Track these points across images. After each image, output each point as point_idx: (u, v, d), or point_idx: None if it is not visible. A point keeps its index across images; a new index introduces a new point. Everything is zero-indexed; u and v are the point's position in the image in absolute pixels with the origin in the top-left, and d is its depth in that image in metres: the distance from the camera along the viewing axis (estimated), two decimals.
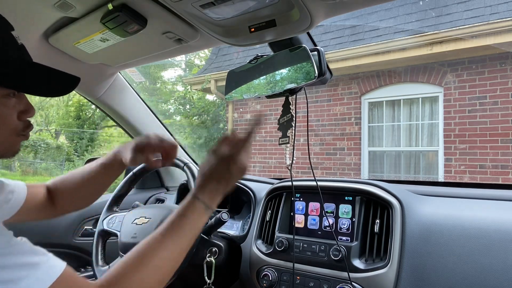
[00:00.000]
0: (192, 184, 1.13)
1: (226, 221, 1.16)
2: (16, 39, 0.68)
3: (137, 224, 1.17)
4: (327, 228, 1.12)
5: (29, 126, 0.74)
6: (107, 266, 1.17)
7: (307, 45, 0.96)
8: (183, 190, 1.53)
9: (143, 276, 0.67)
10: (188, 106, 11.76)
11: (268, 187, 1.30)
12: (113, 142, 14.20)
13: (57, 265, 0.60)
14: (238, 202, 1.44)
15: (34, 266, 0.57)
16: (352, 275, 1.00)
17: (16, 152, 0.73)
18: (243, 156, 0.79)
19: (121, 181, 1.36)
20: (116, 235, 1.20)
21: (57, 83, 0.72)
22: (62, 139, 14.54)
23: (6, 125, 0.68)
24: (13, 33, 0.68)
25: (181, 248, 0.73)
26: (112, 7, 0.93)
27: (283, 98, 1.01)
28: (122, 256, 1.16)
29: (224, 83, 1.12)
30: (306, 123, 1.15)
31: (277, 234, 1.18)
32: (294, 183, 1.16)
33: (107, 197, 1.33)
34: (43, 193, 0.99)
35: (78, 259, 1.56)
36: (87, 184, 0.99)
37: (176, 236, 0.72)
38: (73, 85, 0.74)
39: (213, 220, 1.17)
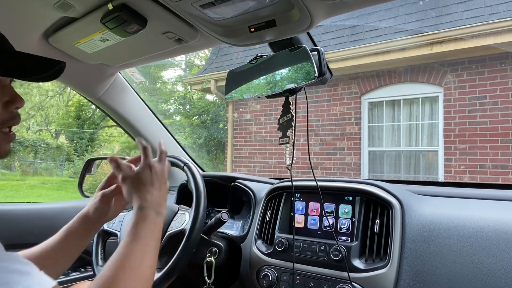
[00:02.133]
0: (192, 184, 1.13)
1: (226, 221, 1.16)
2: None
3: None
4: (327, 228, 1.12)
5: (15, 117, 0.71)
6: None
7: (307, 45, 0.96)
8: (183, 190, 1.53)
9: (126, 283, 0.67)
10: (188, 106, 11.77)
11: (268, 187, 1.30)
12: (113, 142, 14.21)
13: (48, 280, 0.58)
14: (238, 202, 1.44)
15: (26, 274, 0.56)
16: (352, 275, 1.00)
17: (3, 153, 0.70)
18: (156, 162, 0.85)
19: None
20: (116, 235, 1.21)
21: (39, 68, 0.71)
22: (62, 139, 14.55)
23: None
24: None
25: (150, 254, 0.75)
26: (112, 7, 0.93)
27: (283, 98, 1.01)
28: None
29: (224, 83, 1.12)
30: (306, 123, 1.15)
31: (277, 234, 1.18)
32: (294, 183, 1.16)
33: None
34: None
35: (78, 259, 1.54)
36: (46, 258, 0.86)
37: (140, 245, 0.74)
38: (58, 69, 0.73)
39: (213, 220, 1.17)
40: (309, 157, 1.08)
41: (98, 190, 0.93)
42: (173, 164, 1.25)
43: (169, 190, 1.82)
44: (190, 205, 1.15)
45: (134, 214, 0.78)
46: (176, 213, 1.17)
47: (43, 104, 15.17)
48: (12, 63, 0.67)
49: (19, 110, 0.73)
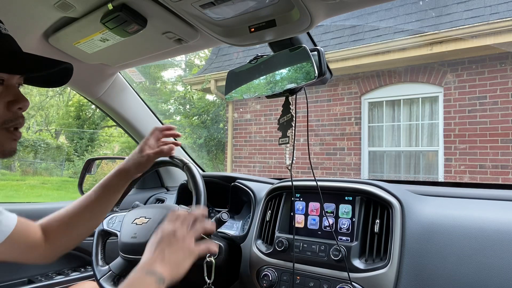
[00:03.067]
0: (192, 184, 1.13)
1: (226, 221, 1.16)
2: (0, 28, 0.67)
3: (137, 224, 1.17)
4: (327, 228, 1.12)
5: (18, 118, 0.71)
6: (107, 266, 1.17)
7: (307, 45, 0.96)
8: (183, 190, 1.53)
9: None
10: (188, 106, 11.77)
11: (268, 187, 1.30)
12: (113, 142, 14.20)
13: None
14: (238, 202, 1.44)
15: None
16: (352, 275, 1.00)
17: (6, 151, 0.70)
18: (189, 234, 0.78)
19: None
20: (116, 235, 1.20)
21: (48, 72, 0.71)
22: (62, 139, 14.54)
23: None
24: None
25: None
26: (112, 7, 0.93)
27: (283, 98, 1.01)
28: (122, 256, 1.16)
29: (224, 83, 1.12)
30: (306, 123, 1.15)
31: (277, 234, 1.18)
32: (294, 183, 1.16)
33: None
34: (35, 230, 0.90)
35: (78, 259, 1.56)
36: (84, 211, 0.97)
37: None
38: (66, 75, 0.74)
39: (213, 220, 1.17)
40: (309, 157, 1.08)
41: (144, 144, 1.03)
42: (173, 164, 1.25)
43: (168, 190, 1.83)
44: (190, 205, 1.15)
45: (134, 273, 0.70)
46: None
47: (43, 104, 15.17)
48: (16, 62, 0.67)
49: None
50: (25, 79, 0.75)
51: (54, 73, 0.76)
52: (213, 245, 0.82)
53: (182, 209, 1.18)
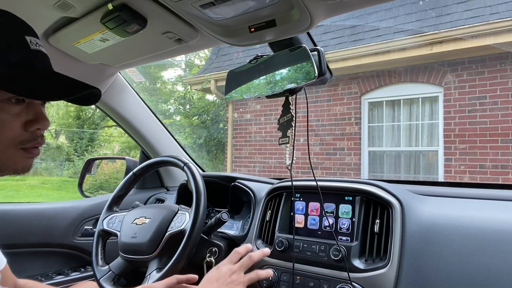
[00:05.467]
0: (192, 184, 1.13)
1: (226, 221, 1.16)
2: (28, 43, 0.65)
3: (137, 224, 1.17)
4: (327, 228, 1.12)
5: (36, 138, 0.67)
6: (107, 266, 1.17)
7: (307, 45, 0.96)
8: (183, 190, 1.53)
9: None
10: (188, 106, 11.76)
11: (268, 187, 1.30)
12: (113, 142, 14.20)
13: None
14: (238, 202, 1.44)
15: None
16: (352, 275, 1.00)
17: (19, 168, 0.67)
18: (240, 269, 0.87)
19: (121, 181, 1.36)
20: (116, 235, 1.21)
21: (72, 92, 0.67)
22: (62, 139, 14.54)
23: (3, 133, 0.63)
24: (29, 37, 0.66)
25: None
26: (112, 7, 0.93)
27: (283, 98, 1.01)
28: (122, 256, 1.16)
29: (224, 83, 1.12)
30: (306, 123, 1.15)
31: (277, 234, 1.18)
32: (294, 183, 1.16)
33: (107, 197, 1.33)
34: (13, 284, 0.90)
35: (78, 259, 1.56)
36: None
37: None
38: (93, 98, 0.71)
39: (213, 220, 1.17)
40: (309, 157, 1.08)
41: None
42: (173, 164, 1.25)
43: (168, 190, 1.83)
44: (190, 205, 1.15)
45: None
46: (176, 213, 1.17)
47: None
48: (43, 83, 0.64)
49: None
50: None
51: (83, 96, 0.73)
52: (263, 273, 0.91)
53: (182, 209, 1.19)
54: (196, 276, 0.98)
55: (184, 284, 0.97)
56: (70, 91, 0.68)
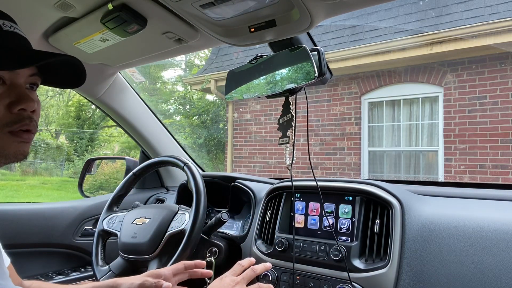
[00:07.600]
0: (192, 184, 1.13)
1: (226, 221, 1.16)
2: (1, 26, 0.65)
3: (137, 224, 1.17)
4: (327, 228, 1.12)
5: (22, 119, 0.65)
6: (107, 266, 1.17)
7: (307, 45, 0.96)
8: (183, 190, 1.53)
9: None
10: (188, 106, 11.76)
11: (268, 187, 1.30)
12: (113, 142, 14.20)
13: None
14: (238, 202, 1.44)
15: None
16: (352, 275, 1.00)
17: (9, 154, 0.65)
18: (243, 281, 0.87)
19: (121, 181, 1.36)
20: (116, 235, 1.21)
21: (42, 57, 0.66)
22: (62, 139, 14.54)
23: None
24: (2, 21, 0.66)
25: None
26: (112, 7, 0.93)
27: (283, 98, 1.01)
28: (122, 256, 1.16)
29: (224, 83, 1.12)
30: (306, 123, 1.15)
31: (277, 234, 1.18)
32: (294, 183, 1.16)
33: (107, 197, 1.33)
34: (19, 284, 0.90)
35: (78, 259, 1.56)
36: None
37: None
38: (79, 74, 0.71)
39: (213, 220, 1.18)
40: (309, 157, 1.08)
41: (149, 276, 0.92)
42: (173, 164, 1.25)
43: (168, 190, 1.83)
44: (190, 205, 1.15)
45: None
46: (176, 213, 1.17)
47: (43, 104, 15.15)
48: (8, 58, 0.64)
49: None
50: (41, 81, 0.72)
51: (67, 73, 0.74)
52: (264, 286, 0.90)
53: (182, 209, 1.19)
54: (203, 262, 0.99)
55: (192, 269, 0.98)
56: (41, 56, 0.67)
